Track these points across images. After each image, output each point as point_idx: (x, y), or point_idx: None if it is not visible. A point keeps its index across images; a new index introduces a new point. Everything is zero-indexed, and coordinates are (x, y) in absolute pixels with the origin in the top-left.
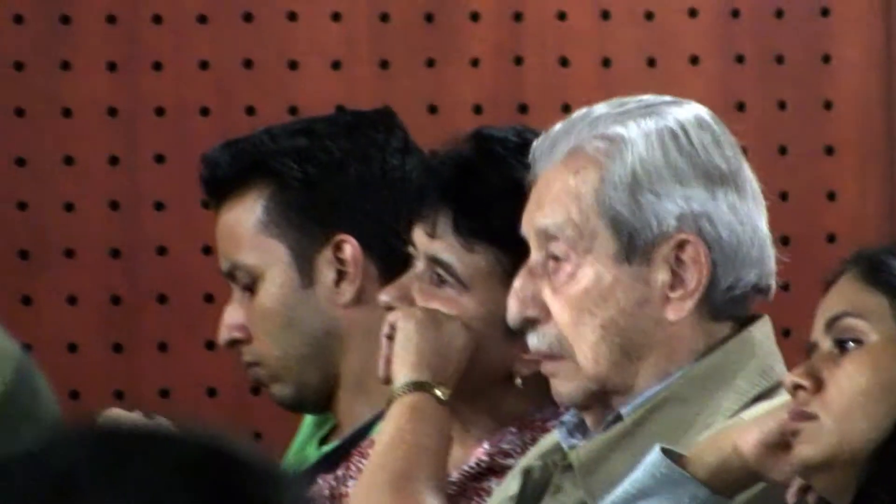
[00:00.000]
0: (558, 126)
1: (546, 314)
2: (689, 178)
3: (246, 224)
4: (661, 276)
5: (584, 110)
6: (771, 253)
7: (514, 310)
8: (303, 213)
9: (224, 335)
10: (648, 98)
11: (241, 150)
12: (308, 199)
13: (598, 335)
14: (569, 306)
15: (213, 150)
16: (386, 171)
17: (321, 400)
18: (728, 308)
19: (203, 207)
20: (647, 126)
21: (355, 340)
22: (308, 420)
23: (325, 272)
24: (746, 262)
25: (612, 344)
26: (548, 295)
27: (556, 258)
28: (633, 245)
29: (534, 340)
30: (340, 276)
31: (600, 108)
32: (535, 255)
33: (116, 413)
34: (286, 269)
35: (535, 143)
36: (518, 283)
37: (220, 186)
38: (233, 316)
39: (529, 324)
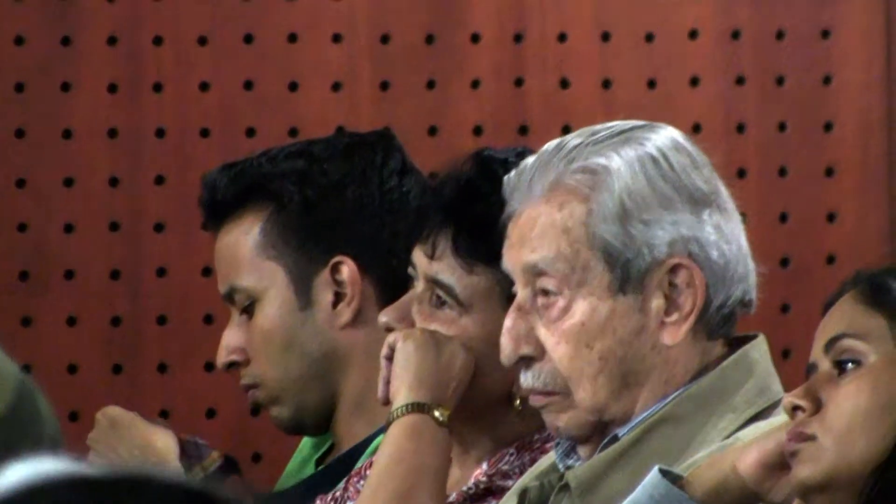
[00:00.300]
0: (530, 160)
1: (541, 351)
2: (675, 203)
3: (244, 246)
4: (656, 302)
5: (554, 143)
6: (752, 267)
7: (507, 348)
8: (300, 234)
9: (223, 358)
10: (617, 124)
11: (239, 172)
12: (306, 220)
13: (597, 367)
14: (565, 340)
15: (211, 173)
16: (384, 193)
17: (320, 421)
18: (721, 326)
19: (203, 229)
20: (628, 154)
21: (354, 361)
22: (306, 441)
23: (323, 294)
24: (735, 280)
25: (612, 374)
26: (542, 331)
27: (546, 293)
28: (626, 275)
29: (528, 378)
30: (338, 297)
31: (571, 140)
32: (523, 293)
33: (114, 411)
34: (284, 290)
35: (506, 179)
36: (509, 321)
37: (219, 209)
38: (231, 338)
39: (524, 361)
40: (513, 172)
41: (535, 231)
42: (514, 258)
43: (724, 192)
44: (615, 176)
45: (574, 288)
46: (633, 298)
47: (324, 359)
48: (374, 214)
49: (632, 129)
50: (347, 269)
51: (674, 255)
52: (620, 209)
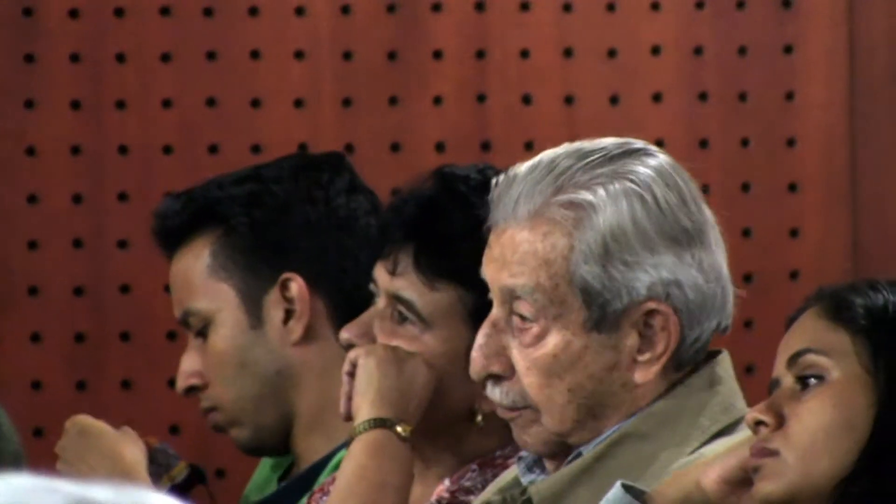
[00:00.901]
0: (521, 172)
1: (511, 371)
2: (658, 245)
3: (195, 270)
4: (630, 341)
5: (546, 160)
6: (731, 292)
7: (477, 365)
8: (249, 255)
9: (181, 383)
10: (610, 146)
11: (189, 199)
12: (253, 241)
13: (566, 398)
14: (535, 369)
15: (162, 202)
16: (331, 211)
17: (279, 441)
18: (691, 358)
19: None
20: (615, 191)
21: (308, 378)
22: (265, 462)
23: (274, 312)
24: (711, 313)
25: (580, 406)
26: (514, 353)
27: (522, 317)
28: (603, 315)
29: (496, 394)
30: (289, 314)
31: (563, 160)
32: (499, 310)
33: (84, 420)
34: (235, 311)
35: (494, 185)
36: (482, 338)
37: (171, 236)
38: (189, 363)
39: (493, 379)
40: (502, 179)
41: (517, 256)
42: (493, 275)
43: (709, 219)
44: (600, 215)
45: (550, 319)
46: (607, 337)
47: (277, 377)
48: (322, 232)
49: (623, 154)
50: (296, 286)
51: (651, 299)
52: (603, 250)
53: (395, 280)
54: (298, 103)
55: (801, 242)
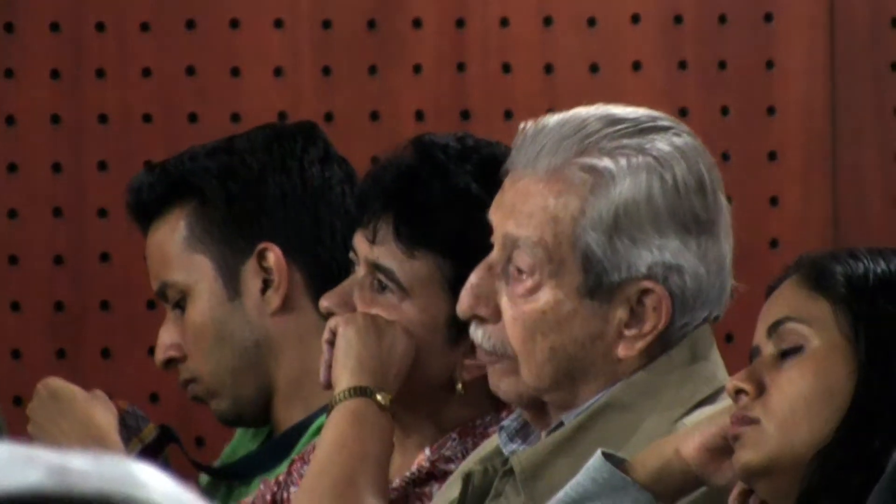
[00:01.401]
0: (550, 124)
1: (496, 316)
2: (667, 228)
3: (171, 242)
4: (619, 314)
5: (576, 120)
6: (728, 286)
7: (465, 304)
8: (225, 226)
9: (160, 356)
10: (643, 117)
11: (163, 172)
12: (229, 212)
13: (546, 356)
14: (521, 322)
15: (135, 177)
16: (305, 181)
17: (259, 412)
18: (676, 342)
19: None
20: (636, 164)
21: (287, 348)
22: (243, 430)
23: (251, 282)
24: (704, 305)
25: (558, 367)
26: (504, 301)
27: (518, 268)
28: (598, 283)
29: (478, 335)
30: (266, 285)
31: (593, 123)
32: (497, 256)
33: (55, 382)
34: (212, 283)
35: (521, 129)
36: (475, 277)
37: (146, 210)
38: (167, 336)
39: (478, 320)
40: (530, 125)
41: (527, 207)
42: (499, 220)
43: (723, 212)
44: (618, 185)
45: (545, 276)
46: (598, 306)
47: (256, 347)
48: (297, 202)
49: (652, 129)
50: (273, 256)
51: (649, 279)
52: (613, 221)
53: (374, 249)
54: (278, 72)
55: (781, 211)
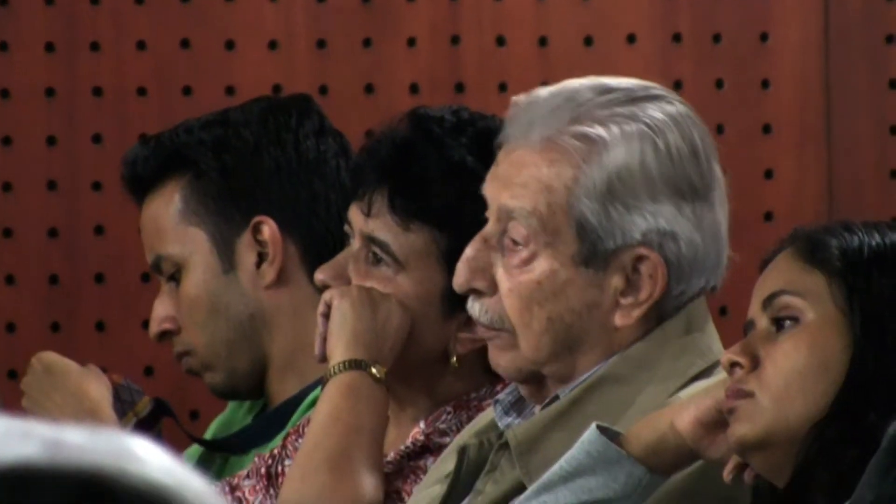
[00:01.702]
0: (542, 96)
1: (493, 289)
2: (661, 194)
3: (166, 215)
4: (615, 282)
5: (568, 90)
6: (725, 256)
7: (461, 277)
8: (220, 199)
9: (154, 328)
10: (635, 87)
11: (158, 144)
12: (224, 185)
13: (543, 327)
14: (517, 293)
15: (130, 149)
16: (300, 154)
17: (253, 386)
18: (673, 311)
19: None
20: (629, 132)
21: (281, 322)
22: (235, 403)
23: (246, 256)
24: (701, 272)
25: (556, 337)
26: (499, 272)
27: (514, 240)
28: (594, 251)
29: (475, 309)
30: (261, 258)
31: (585, 92)
32: (492, 228)
33: (49, 356)
34: (207, 255)
35: (514, 101)
36: (470, 251)
37: (141, 182)
38: (161, 308)
39: (475, 294)
40: (522, 98)
41: (521, 178)
42: (493, 192)
43: (718, 180)
44: (611, 152)
45: (541, 246)
46: (594, 274)
47: (250, 321)
48: (292, 175)
49: (644, 97)
50: (268, 229)
51: (644, 245)
52: (606, 188)
53: (369, 221)
54: (272, 45)
55: (776, 184)
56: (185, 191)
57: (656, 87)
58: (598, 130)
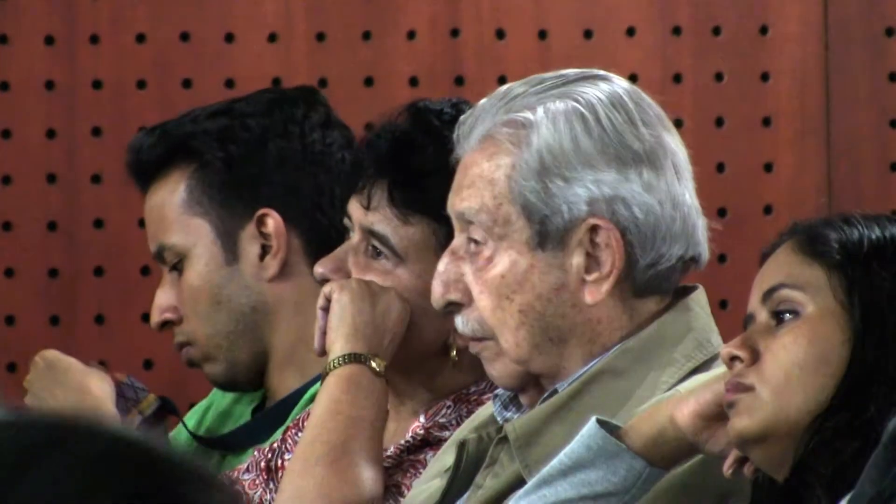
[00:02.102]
0: (481, 103)
1: (469, 298)
2: (599, 162)
3: (170, 205)
4: (577, 260)
5: (504, 89)
6: (699, 222)
7: (437, 293)
8: (225, 190)
9: (156, 318)
10: (569, 73)
11: (163, 133)
12: (229, 176)
13: (518, 320)
14: (487, 291)
15: (136, 136)
16: (305, 146)
17: (253, 377)
18: (653, 284)
19: None
20: (555, 109)
21: (283, 314)
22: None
23: (249, 247)
24: (668, 238)
25: (532, 328)
26: (469, 279)
27: (475, 242)
28: (545, 231)
29: (458, 323)
30: (264, 250)
31: (518, 88)
32: (458, 238)
33: (52, 354)
34: (211, 246)
35: (460, 121)
36: (441, 265)
37: (145, 171)
38: (163, 298)
39: (454, 307)
40: (464, 115)
41: (467, 180)
42: (450, 203)
43: (669, 147)
44: (538, 131)
45: (496, 240)
46: (552, 255)
47: (252, 313)
48: (297, 168)
49: (577, 79)
50: (272, 221)
51: (593, 215)
52: (540, 165)
53: (369, 214)
54: (272, 38)
55: (775, 177)
56: (190, 181)
57: (607, 75)
58: (525, 114)
